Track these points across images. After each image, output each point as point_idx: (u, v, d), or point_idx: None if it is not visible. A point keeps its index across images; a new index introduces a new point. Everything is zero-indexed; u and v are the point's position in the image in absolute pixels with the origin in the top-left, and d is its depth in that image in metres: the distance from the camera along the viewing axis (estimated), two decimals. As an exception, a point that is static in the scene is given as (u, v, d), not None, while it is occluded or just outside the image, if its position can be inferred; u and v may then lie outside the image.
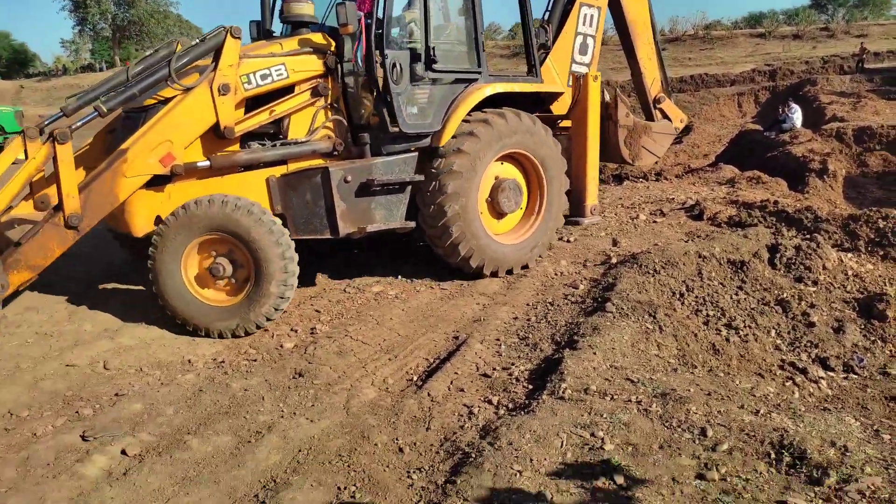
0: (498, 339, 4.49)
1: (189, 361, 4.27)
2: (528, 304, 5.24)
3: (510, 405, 3.50)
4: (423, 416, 3.49)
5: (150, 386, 3.92)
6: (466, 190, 5.43)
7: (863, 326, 5.05)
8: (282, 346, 4.49)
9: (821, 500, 2.39)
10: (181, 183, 4.77)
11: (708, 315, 4.95)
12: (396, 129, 5.24)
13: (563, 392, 3.36)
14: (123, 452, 3.22)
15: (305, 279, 6.08)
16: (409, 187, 5.48)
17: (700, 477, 2.63)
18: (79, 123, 4.47)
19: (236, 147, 4.98)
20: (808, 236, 6.51)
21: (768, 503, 2.43)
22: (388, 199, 5.35)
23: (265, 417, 3.53)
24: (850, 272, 5.82)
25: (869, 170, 14.74)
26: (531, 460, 2.80)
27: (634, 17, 9.68)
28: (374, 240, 5.86)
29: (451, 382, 3.85)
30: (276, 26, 6.23)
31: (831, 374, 4.50)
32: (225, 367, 4.15)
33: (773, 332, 4.90)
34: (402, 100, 5.20)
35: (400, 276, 6.06)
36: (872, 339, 4.91)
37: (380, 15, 5.07)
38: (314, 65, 5.16)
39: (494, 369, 4.02)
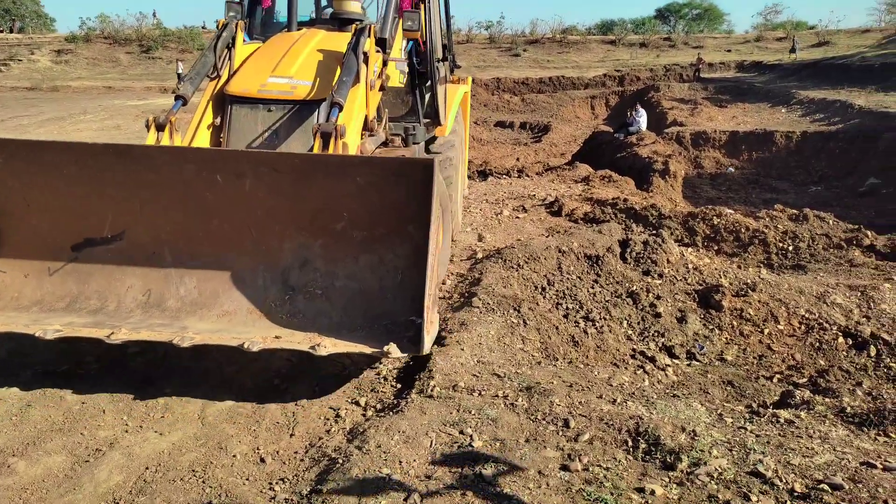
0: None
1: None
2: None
3: (378, 406, 3.42)
4: (286, 422, 3.32)
5: (-34, 402, 3.43)
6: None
7: (702, 316, 5.48)
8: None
9: (674, 485, 2.53)
10: None
11: (567, 308, 5.16)
12: (428, 122, 5.90)
13: (432, 390, 3.34)
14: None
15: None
16: None
17: (564, 468, 2.70)
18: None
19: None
20: (653, 232, 6.98)
21: (628, 490, 2.53)
22: None
23: (106, 433, 3.20)
24: (690, 265, 6.31)
25: (704, 171, 16.20)
26: (400, 462, 2.75)
27: None
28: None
29: (317, 384, 3.71)
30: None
31: (676, 361, 4.85)
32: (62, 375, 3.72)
33: (625, 323, 5.20)
34: (440, 98, 5.98)
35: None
36: (711, 327, 5.35)
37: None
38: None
39: (361, 369, 3.92)
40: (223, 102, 4.76)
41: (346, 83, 4.35)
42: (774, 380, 4.51)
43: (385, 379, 3.76)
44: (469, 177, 12.74)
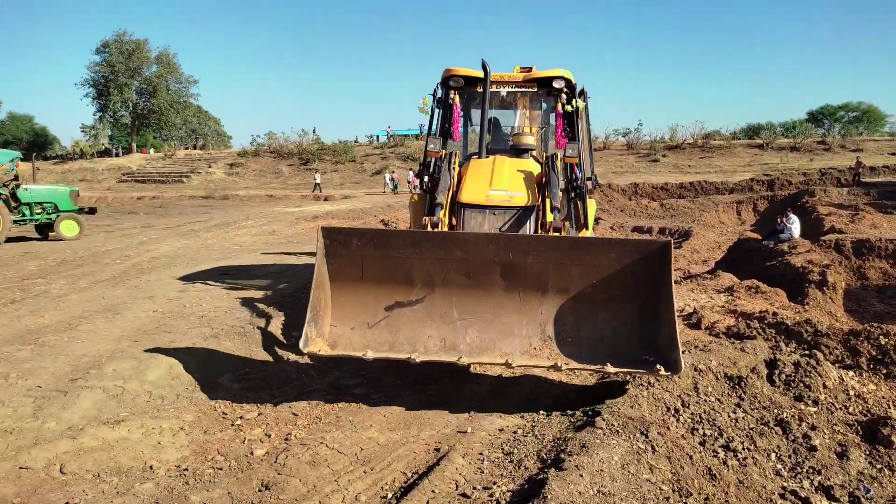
0: (481, 454, 4.24)
1: (151, 468, 4.02)
2: (515, 414, 5.01)
3: (488, 535, 3.23)
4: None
5: (105, 495, 3.66)
6: None
7: (868, 452, 4.79)
8: (252, 454, 4.25)
9: None
10: None
11: (704, 435, 4.70)
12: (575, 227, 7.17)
13: (545, 520, 3.11)
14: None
15: (286, 385, 5.89)
16: None
17: None
18: None
19: None
20: (807, 352, 6.32)
21: None
22: None
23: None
24: (851, 392, 5.60)
25: (869, 282, 14.68)
26: None
27: None
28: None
29: (428, 502, 3.59)
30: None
31: (836, 505, 4.21)
32: (187, 476, 3.90)
33: (772, 456, 4.64)
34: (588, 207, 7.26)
35: (383, 379, 5.86)
36: (879, 466, 4.64)
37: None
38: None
39: (475, 488, 3.76)
40: (456, 209, 6.39)
41: (556, 193, 6.26)
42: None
43: (497, 502, 3.56)
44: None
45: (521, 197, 6.35)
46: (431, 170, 7.31)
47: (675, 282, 12.54)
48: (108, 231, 19.36)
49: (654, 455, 4.06)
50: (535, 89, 7.74)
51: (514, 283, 5.30)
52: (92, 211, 19.35)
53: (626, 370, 4.94)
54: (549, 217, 6.21)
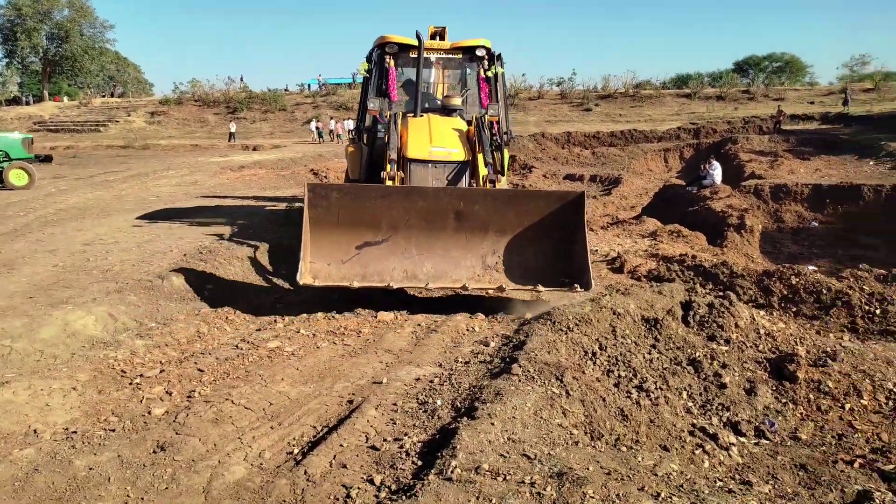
0: (395, 405, 4.11)
1: (35, 432, 3.71)
2: (433, 363, 4.90)
3: (393, 486, 3.11)
4: (293, 500, 3.06)
5: (-22, 463, 3.35)
6: None
7: (774, 388, 4.93)
8: (149, 413, 3.99)
9: None
10: None
11: (619, 376, 4.72)
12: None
13: (452, 472, 3.01)
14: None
15: (196, 341, 5.60)
16: None
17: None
18: None
19: None
20: (721, 293, 6.45)
21: None
22: None
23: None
24: (762, 331, 5.74)
25: (785, 225, 15.28)
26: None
27: None
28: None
29: (335, 457, 3.44)
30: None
31: (742, 439, 4.32)
32: (75, 440, 3.61)
33: (684, 395, 4.71)
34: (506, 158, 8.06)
35: (301, 331, 5.66)
36: (784, 401, 4.79)
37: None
38: None
39: (385, 440, 3.63)
40: (402, 163, 7.18)
41: (489, 150, 7.37)
42: (856, 465, 3.90)
43: (407, 454, 3.45)
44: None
45: (458, 153, 7.32)
46: (368, 125, 8.65)
47: (602, 227, 12.84)
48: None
49: (567, 399, 4.03)
50: (460, 56, 8.73)
51: (462, 226, 6.53)
52: (47, 159, 18.12)
53: (551, 289, 6.28)
54: (483, 171, 7.28)
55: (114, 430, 3.75)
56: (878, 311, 6.57)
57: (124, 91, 70.75)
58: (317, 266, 6.35)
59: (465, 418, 3.62)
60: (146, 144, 36.74)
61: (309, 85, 58.54)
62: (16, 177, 16.08)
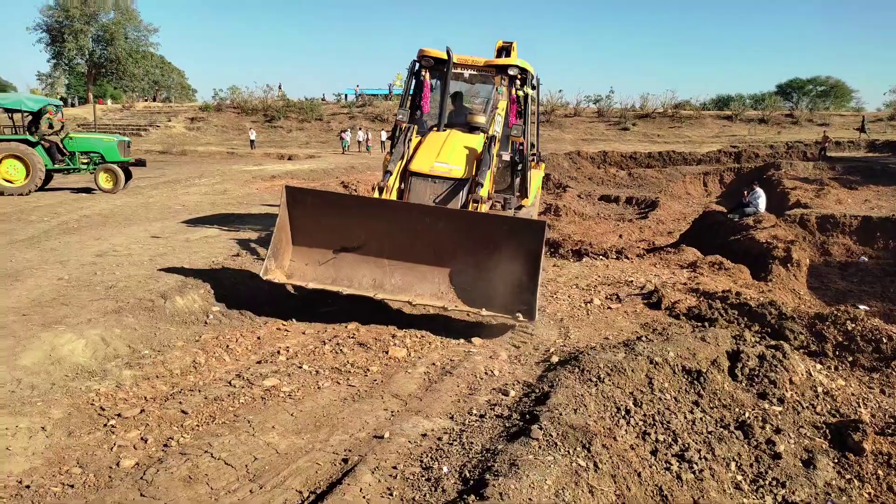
0: (395, 468, 3.57)
1: (-16, 485, 3.27)
2: (444, 415, 4.36)
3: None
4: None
5: None
6: None
7: (836, 460, 4.28)
8: (118, 465, 3.52)
9: None
10: None
11: (657, 441, 4.12)
12: (518, 195, 8.55)
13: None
14: None
15: (188, 374, 5.15)
16: None
17: None
18: None
19: None
20: (773, 343, 5.78)
21: None
22: None
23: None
24: (819, 389, 5.09)
25: (832, 259, 14.42)
26: None
27: None
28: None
29: None
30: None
31: (801, 526, 3.68)
32: (24, 498, 3.15)
33: (733, 466, 4.09)
34: (528, 179, 8.62)
35: (304, 366, 5.17)
36: (848, 477, 4.14)
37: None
38: None
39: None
40: (406, 175, 7.40)
41: (484, 171, 7.25)
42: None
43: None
44: (562, 256, 11.91)
45: (458, 170, 7.34)
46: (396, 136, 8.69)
47: (639, 255, 12.10)
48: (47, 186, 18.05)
49: (596, 474, 3.45)
50: (493, 75, 8.64)
51: (430, 243, 6.63)
52: (141, 163, 18.13)
53: (494, 314, 6.24)
54: (483, 191, 7.24)
55: (72, 486, 3.28)
56: (950, 368, 5.83)
57: (168, 96, 71.98)
58: (295, 265, 6.81)
59: (473, 496, 3.07)
60: (184, 150, 37.07)
61: (346, 95, 58.74)
62: (105, 180, 16.11)
